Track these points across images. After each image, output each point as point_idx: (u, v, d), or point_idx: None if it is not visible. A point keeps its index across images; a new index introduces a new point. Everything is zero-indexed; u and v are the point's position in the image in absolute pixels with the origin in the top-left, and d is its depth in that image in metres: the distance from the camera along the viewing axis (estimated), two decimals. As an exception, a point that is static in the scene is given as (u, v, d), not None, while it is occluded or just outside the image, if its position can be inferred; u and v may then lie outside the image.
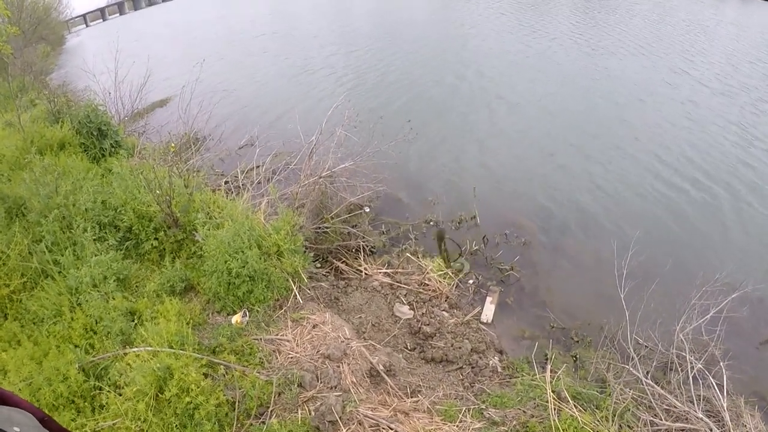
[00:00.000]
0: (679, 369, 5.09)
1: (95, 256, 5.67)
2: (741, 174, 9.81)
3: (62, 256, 5.70)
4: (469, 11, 27.69)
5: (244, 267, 5.20)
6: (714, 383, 4.75)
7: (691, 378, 4.82)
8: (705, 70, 16.05)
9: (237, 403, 4.07)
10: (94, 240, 5.95)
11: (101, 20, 53.85)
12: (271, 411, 4.18)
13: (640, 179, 9.74)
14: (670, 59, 17.27)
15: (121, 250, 6.09)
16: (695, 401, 4.66)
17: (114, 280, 5.41)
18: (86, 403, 4.14)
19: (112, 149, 8.99)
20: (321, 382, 4.52)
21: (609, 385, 5.10)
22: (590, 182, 9.67)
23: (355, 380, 4.65)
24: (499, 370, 5.67)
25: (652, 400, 4.81)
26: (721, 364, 4.90)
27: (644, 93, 14.18)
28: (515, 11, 26.58)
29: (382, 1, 36.50)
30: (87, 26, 50.21)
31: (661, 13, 26.36)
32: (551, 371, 5.29)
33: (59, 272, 5.63)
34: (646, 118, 12.47)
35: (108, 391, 4.06)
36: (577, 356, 5.96)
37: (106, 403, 4.02)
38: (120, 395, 4.05)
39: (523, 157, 10.79)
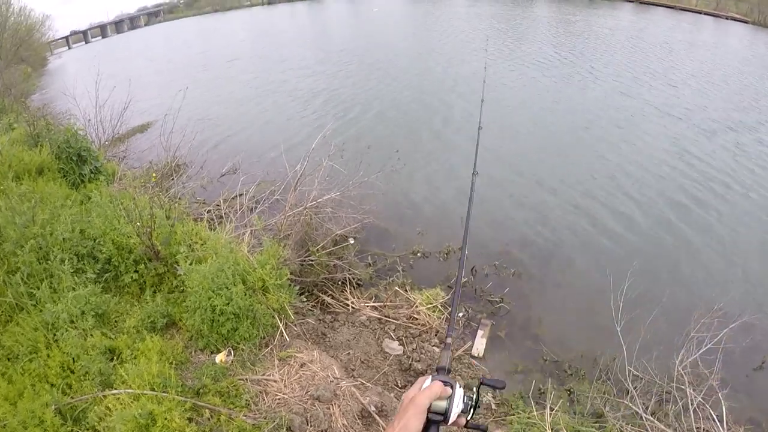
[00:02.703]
0: (679, 401, 4.98)
1: (73, 289, 5.41)
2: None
3: (38, 289, 5.42)
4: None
5: (228, 304, 5.00)
6: (714, 415, 4.65)
7: (691, 411, 4.71)
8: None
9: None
10: (72, 272, 5.69)
11: (84, 42, 53.87)
12: (259, 458, 3.97)
13: (635, 208, 9.87)
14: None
15: (99, 282, 5.83)
16: (695, 435, 4.56)
17: (92, 316, 5.15)
18: (61, 450, 3.87)
19: (92, 175, 8.77)
20: (311, 426, 4.32)
21: (607, 420, 4.96)
22: (581, 212, 9.72)
23: (346, 423, 4.46)
24: (494, 407, 5.52)
25: (652, 436, 4.70)
26: (719, 394, 4.79)
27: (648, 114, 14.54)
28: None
29: (364, 29, 37.07)
30: (69, 48, 50.22)
31: (629, 37, 27.39)
32: (547, 406, 5.15)
33: (34, 306, 5.35)
34: (646, 144, 12.87)
35: (86, 439, 3.80)
36: (572, 390, 5.82)
37: (83, 451, 3.77)
38: (98, 443, 3.79)
39: (512, 186, 10.82)
